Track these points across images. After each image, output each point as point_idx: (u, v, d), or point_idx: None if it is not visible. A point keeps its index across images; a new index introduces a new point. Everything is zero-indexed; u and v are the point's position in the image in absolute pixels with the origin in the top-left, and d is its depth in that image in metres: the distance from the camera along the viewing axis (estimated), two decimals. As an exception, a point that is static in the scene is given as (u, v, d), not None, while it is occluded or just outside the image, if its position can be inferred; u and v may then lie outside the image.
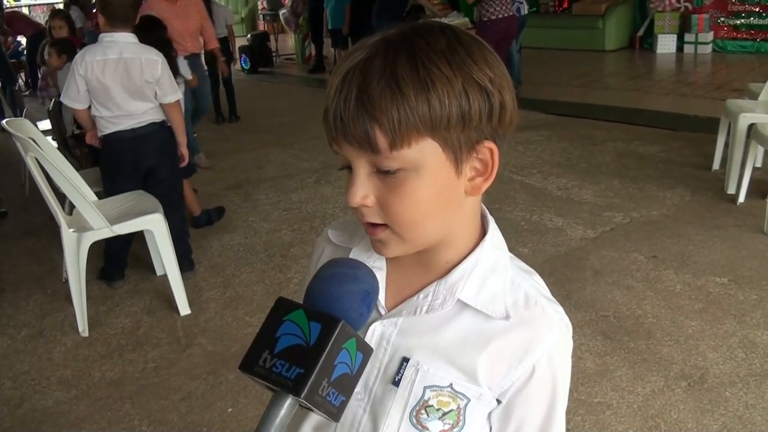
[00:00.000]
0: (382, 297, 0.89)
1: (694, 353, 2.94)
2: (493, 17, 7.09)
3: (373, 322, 0.88)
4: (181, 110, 4.01)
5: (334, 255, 0.95)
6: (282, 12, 12.96)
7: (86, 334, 3.48)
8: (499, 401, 0.87)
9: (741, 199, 4.45)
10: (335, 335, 0.72)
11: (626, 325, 3.18)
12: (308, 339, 0.73)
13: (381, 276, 0.90)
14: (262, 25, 15.82)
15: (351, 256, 0.92)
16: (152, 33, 4.18)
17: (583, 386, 2.75)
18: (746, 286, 3.45)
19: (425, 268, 0.88)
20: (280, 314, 0.75)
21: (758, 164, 4.72)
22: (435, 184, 0.78)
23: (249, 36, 13.27)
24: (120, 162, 3.82)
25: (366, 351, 0.77)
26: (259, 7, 16.35)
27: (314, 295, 0.78)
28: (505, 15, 7.15)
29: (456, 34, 0.78)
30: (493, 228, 0.90)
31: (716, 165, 5.10)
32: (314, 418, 0.95)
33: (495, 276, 0.87)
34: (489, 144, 0.80)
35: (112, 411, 2.87)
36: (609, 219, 4.44)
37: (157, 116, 3.81)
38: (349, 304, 0.77)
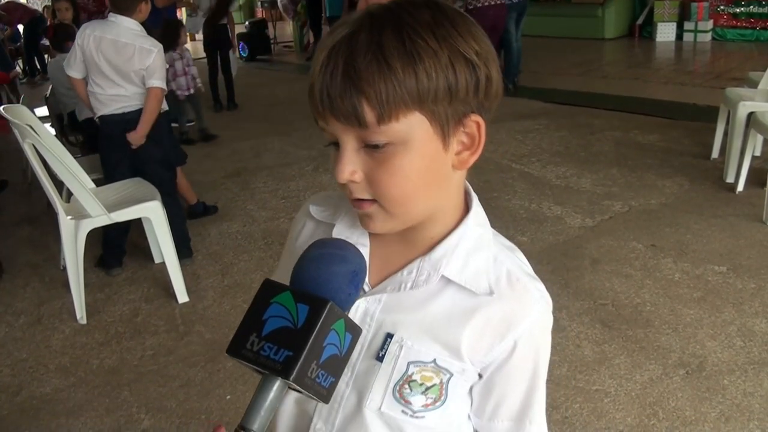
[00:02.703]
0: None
1: (692, 341, 2.94)
2: (479, 5, 7.04)
3: (357, 298, 0.88)
4: (160, 101, 3.88)
5: (315, 231, 0.96)
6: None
7: (84, 321, 3.48)
8: (480, 376, 0.89)
9: (740, 188, 4.45)
10: (323, 317, 0.71)
11: (624, 314, 3.18)
12: (296, 321, 0.72)
13: (364, 252, 0.89)
14: (260, 12, 15.76)
15: (334, 232, 0.91)
16: None
17: (582, 374, 2.75)
18: (745, 275, 3.45)
19: (409, 244, 0.88)
20: (267, 296, 0.74)
21: (757, 153, 4.71)
22: (423, 158, 0.78)
23: (247, 23, 13.22)
24: (113, 144, 3.84)
25: (355, 332, 0.77)
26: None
27: (301, 277, 0.77)
28: (494, 3, 7.11)
29: (441, 7, 0.78)
30: (476, 205, 0.90)
31: (715, 154, 5.10)
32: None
33: (478, 253, 0.87)
34: (476, 117, 0.80)
35: (110, 398, 2.87)
36: (608, 208, 4.44)
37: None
38: (337, 285, 0.76)
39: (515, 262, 0.89)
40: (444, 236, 0.87)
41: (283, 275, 0.85)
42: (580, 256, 3.78)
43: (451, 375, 0.87)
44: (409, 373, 0.87)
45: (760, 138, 4.55)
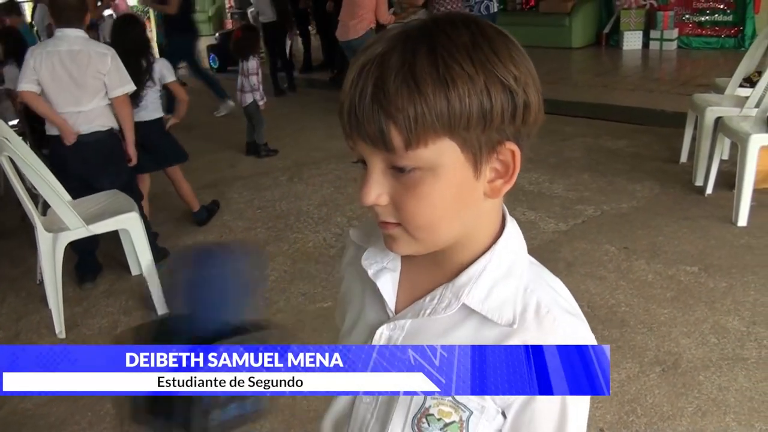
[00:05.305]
0: (392, 299, 0.88)
1: (667, 340, 3.01)
2: None
3: (381, 324, 0.87)
4: (130, 106, 3.89)
5: (357, 255, 0.93)
6: (250, 11, 12.90)
7: (63, 335, 3.45)
8: (504, 415, 0.83)
9: (709, 190, 4.55)
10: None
11: (600, 315, 3.24)
12: None
13: (394, 277, 0.88)
14: (230, 24, 15.73)
15: (365, 255, 0.90)
16: (129, 33, 4.14)
17: (561, 374, 2.79)
18: (716, 274, 3.54)
19: (438, 269, 0.86)
20: None
21: (725, 156, 4.81)
22: (452, 185, 0.76)
23: (217, 35, 13.19)
24: (65, 165, 3.75)
25: None
26: (227, 5, 16.26)
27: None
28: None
29: (481, 27, 0.75)
30: (509, 231, 0.87)
31: (684, 158, 5.20)
32: (334, 413, 0.95)
33: (508, 281, 0.83)
34: (510, 145, 0.77)
35: (93, 411, 2.85)
36: (580, 212, 4.51)
37: (104, 123, 3.75)
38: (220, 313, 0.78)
39: (549, 293, 0.85)
40: (472, 262, 0.84)
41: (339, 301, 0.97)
42: (555, 260, 3.83)
43: (471, 412, 0.82)
44: (426, 405, 0.83)
45: (727, 142, 4.65)
